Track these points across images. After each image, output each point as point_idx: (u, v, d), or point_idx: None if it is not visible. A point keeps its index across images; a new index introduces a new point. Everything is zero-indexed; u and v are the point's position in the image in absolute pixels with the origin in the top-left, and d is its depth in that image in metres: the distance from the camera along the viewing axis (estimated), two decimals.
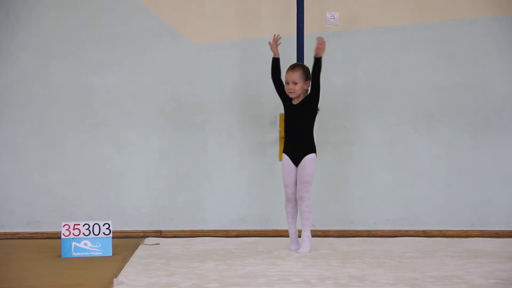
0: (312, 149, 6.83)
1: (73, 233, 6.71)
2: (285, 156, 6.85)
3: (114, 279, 5.53)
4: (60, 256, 6.69)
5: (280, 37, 6.89)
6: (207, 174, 7.97)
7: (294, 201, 6.85)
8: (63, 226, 6.71)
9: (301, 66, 6.90)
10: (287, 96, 6.82)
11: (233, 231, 7.91)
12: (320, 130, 7.74)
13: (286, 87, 6.79)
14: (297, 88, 6.74)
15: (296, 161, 6.81)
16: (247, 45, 7.97)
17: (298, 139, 6.82)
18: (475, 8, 8.05)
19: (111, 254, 6.72)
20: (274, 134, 7.98)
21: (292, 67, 6.82)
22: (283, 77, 6.87)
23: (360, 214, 8.00)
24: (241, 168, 7.98)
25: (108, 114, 7.91)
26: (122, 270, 5.96)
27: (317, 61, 6.65)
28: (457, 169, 8.03)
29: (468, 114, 8.06)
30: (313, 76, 6.70)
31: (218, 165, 7.97)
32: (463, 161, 8.04)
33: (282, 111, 7.92)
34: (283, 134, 7.89)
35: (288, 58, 7.81)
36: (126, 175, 7.93)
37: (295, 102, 6.82)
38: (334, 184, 7.95)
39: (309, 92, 6.80)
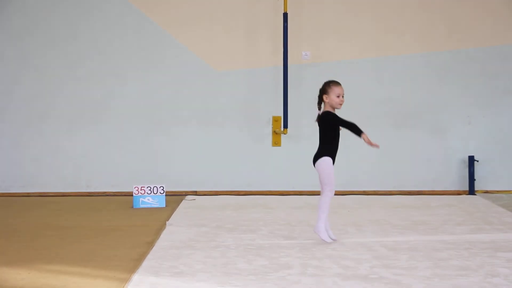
0: None
1: (140, 192, 6.74)
2: (331, 160, 4.90)
3: (167, 222, 5.63)
4: (132, 207, 6.72)
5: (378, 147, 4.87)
6: (225, 155, 7.84)
7: None
8: (134, 188, 6.74)
9: None
10: (334, 119, 4.93)
11: (242, 191, 7.79)
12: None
13: (337, 100, 4.91)
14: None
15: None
16: (251, 72, 7.84)
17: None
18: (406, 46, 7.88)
19: (165, 206, 6.72)
20: (268, 129, 7.85)
21: (339, 83, 5.00)
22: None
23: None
24: (247, 150, 7.84)
25: (162, 116, 7.83)
26: (172, 216, 6.02)
27: (357, 131, 4.82)
28: (385, 151, 7.72)
29: (392, 116, 7.90)
30: (343, 123, 4.88)
31: (232, 148, 7.85)
32: (389, 145, 7.82)
33: (275, 113, 7.80)
34: (275, 129, 7.83)
35: (277, 84, 7.74)
36: (174, 155, 7.83)
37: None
38: None
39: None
